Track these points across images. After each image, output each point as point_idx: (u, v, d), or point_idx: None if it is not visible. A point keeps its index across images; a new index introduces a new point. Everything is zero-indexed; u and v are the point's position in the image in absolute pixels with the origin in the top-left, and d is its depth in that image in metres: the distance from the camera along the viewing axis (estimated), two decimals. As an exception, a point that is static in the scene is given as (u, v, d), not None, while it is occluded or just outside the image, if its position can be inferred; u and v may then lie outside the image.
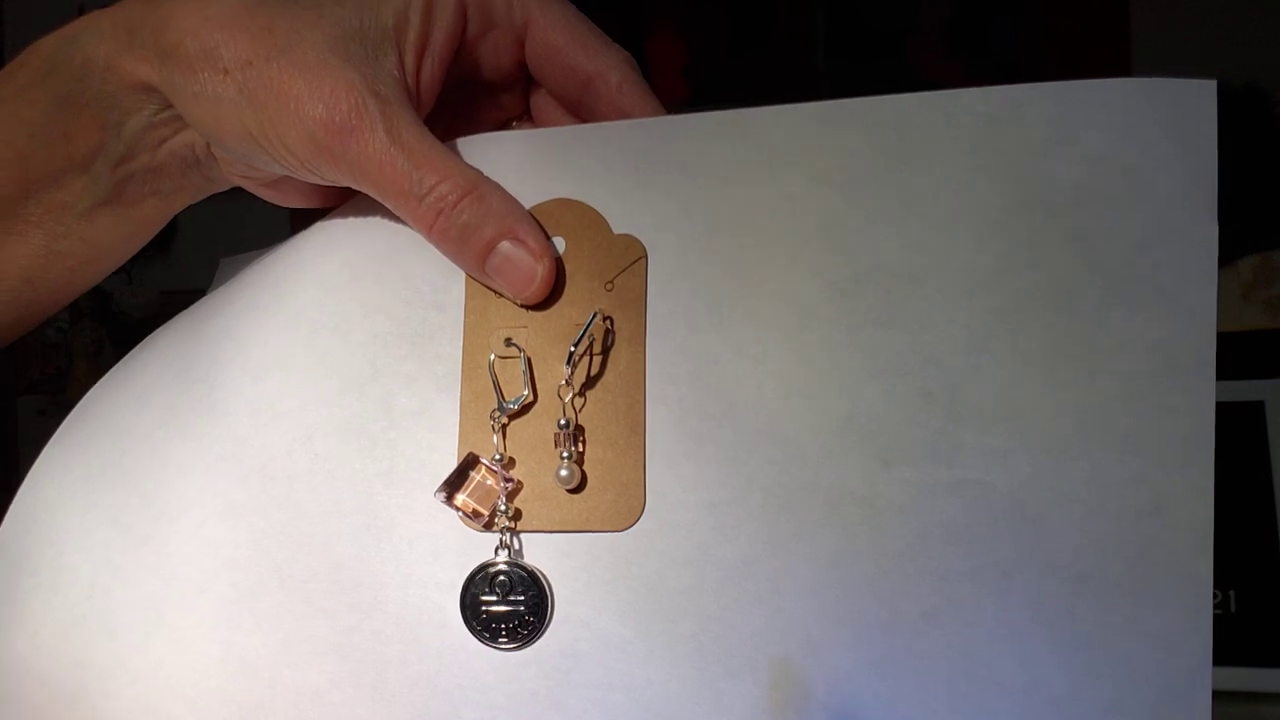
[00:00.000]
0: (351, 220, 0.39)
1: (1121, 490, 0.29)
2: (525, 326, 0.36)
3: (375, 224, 0.38)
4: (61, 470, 0.40)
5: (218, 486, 0.37)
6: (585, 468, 0.35)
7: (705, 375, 0.34)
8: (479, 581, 0.34)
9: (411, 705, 0.34)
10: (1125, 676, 0.28)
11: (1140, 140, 0.30)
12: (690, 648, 0.32)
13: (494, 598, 0.34)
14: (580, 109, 0.40)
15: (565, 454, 0.34)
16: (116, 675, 0.37)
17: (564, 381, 0.35)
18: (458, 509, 0.35)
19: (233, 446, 0.37)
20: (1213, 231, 0.29)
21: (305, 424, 0.37)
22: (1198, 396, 0.29)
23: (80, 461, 0.40)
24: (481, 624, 0.34)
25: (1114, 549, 0.29)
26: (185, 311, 0.43)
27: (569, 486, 0.34)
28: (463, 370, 0.36)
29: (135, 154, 0.38)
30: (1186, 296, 0.29)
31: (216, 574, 0.37)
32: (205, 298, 0.43)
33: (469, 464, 0.35)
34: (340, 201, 0.40)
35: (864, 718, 0.31)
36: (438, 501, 0.35)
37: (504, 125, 0.43)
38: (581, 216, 0.36)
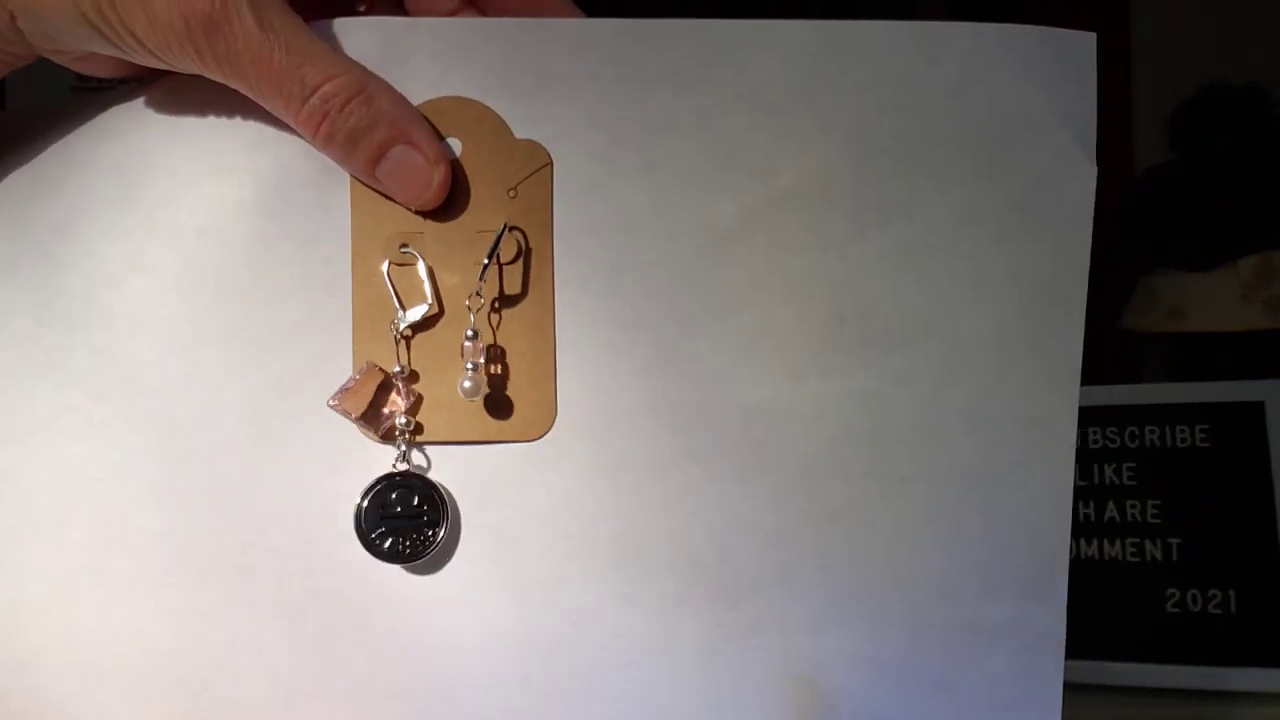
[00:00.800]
0: (199, 95, 0.35)
1: (1009, 406, 0.33)
2: (421, 232, 0.35)
3: (232, 101, 0.34)
4: None
5: (70, 401, 0.34)
6: (494, 380, 0.34)
7: (616, 288, 0.34)
8: (380, 494, 0.34)
9: (318, 617, 0.34)
10: (1001, 565, 0.33)
11: (1036, 84, 0.33)
12: (608, 548, 0.34)
13: (395, 510, 0.34)
14: None
15: (470, 365, 0.34)
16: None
17: (475, 293, 0.34)
18: (352, 417, 0.34)
19: (87, 357, 0.34)
20: (1091, 172, 0.33)
21: (176, 333, 0.34)
22: (1071, 323, 0.33)
23: None
24: (381, 536, 0.34)
25: (999, 456, 0.33)
26: None
27: (474, 398, 0.34)
28: (353, 276, 0.34)
29: None
30: (1068, 233, 0.33)
31: (78, 498, 0.34)
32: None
33: (367, 372, 0.34)
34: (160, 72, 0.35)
35: (770, 615, 0.34)
36: (333, 412, 0.34)
37: (353, 6, 0.40)
38: (480, 118, 0.35)
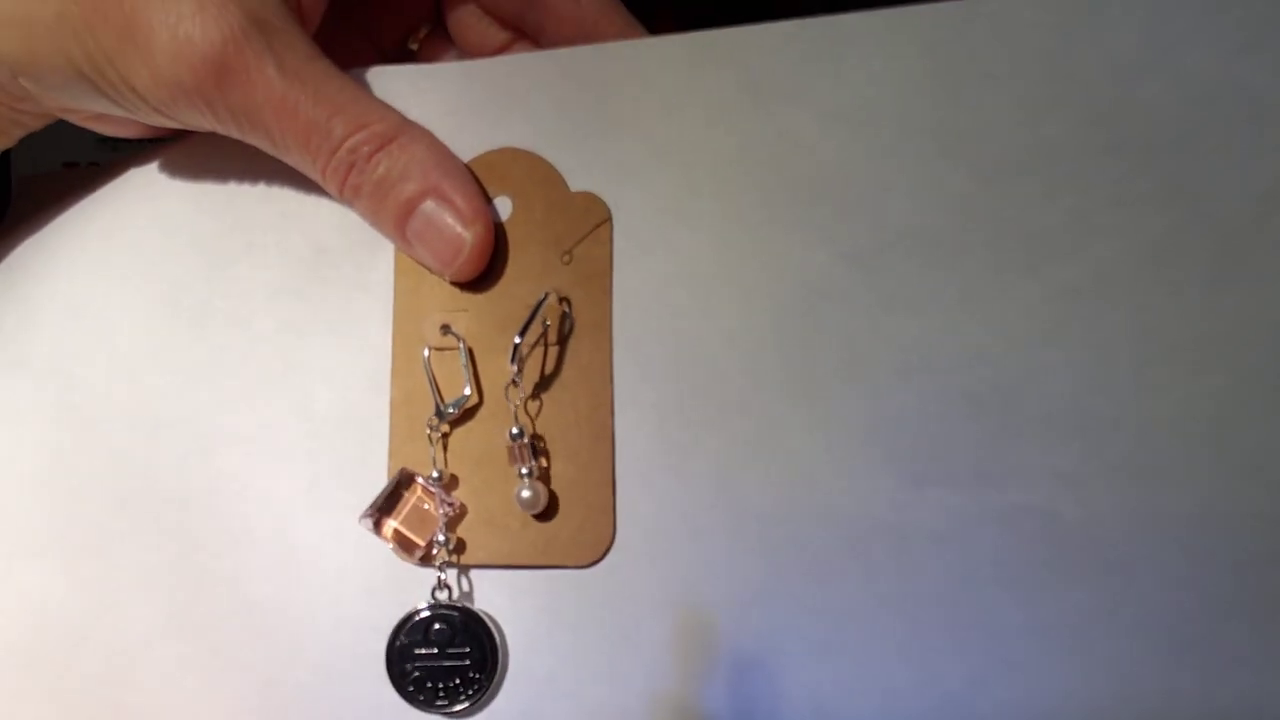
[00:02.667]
0: (222, 157, 0.31)
1: (1243, 529, 0.22)
2: (466, 310, 0.29)
3: (258, 163, 0.30)
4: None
5: (88, 513, 0.30)
6: (553, 486, 0.28)
7: (687, 370, 0.27)
8: (412, 631, 0.28)
9: None
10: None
11: (1260, 53, 0.22)
12: (672, 710, 0.26)
13: (431, 650, 0.28)
14: (522, 23, 0.32)
15: (524, 470, 0.27)
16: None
17: (511, 381, 0.28)
18: (387, 540, 0.28)
19: (106, 461, 0.30)
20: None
21: (200, 434, 0.30)
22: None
23: None
24: (415, 683, 0.28)
25: (1223, 605, 0.22)
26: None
27: (532, 511, 0.27)
28: (393, 364, 0.29)
29: None
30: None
31: (97, 618, 0.30)
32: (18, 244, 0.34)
33: (401, 483, 0.28)
34: (183, 132, 0.32)
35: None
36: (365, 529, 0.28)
37: (403, 40, 0.35)
38: (531, 170, 0.29)
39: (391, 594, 0.28)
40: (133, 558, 0.30)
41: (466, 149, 0.29)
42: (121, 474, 0.30)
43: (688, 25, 0.28)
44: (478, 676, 0.27)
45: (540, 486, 0.27)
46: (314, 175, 0.28)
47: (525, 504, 0.27)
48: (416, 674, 0.28)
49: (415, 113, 0.29)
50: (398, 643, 0.28)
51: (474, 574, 0.28)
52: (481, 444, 0.28)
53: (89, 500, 0.30)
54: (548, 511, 0.28)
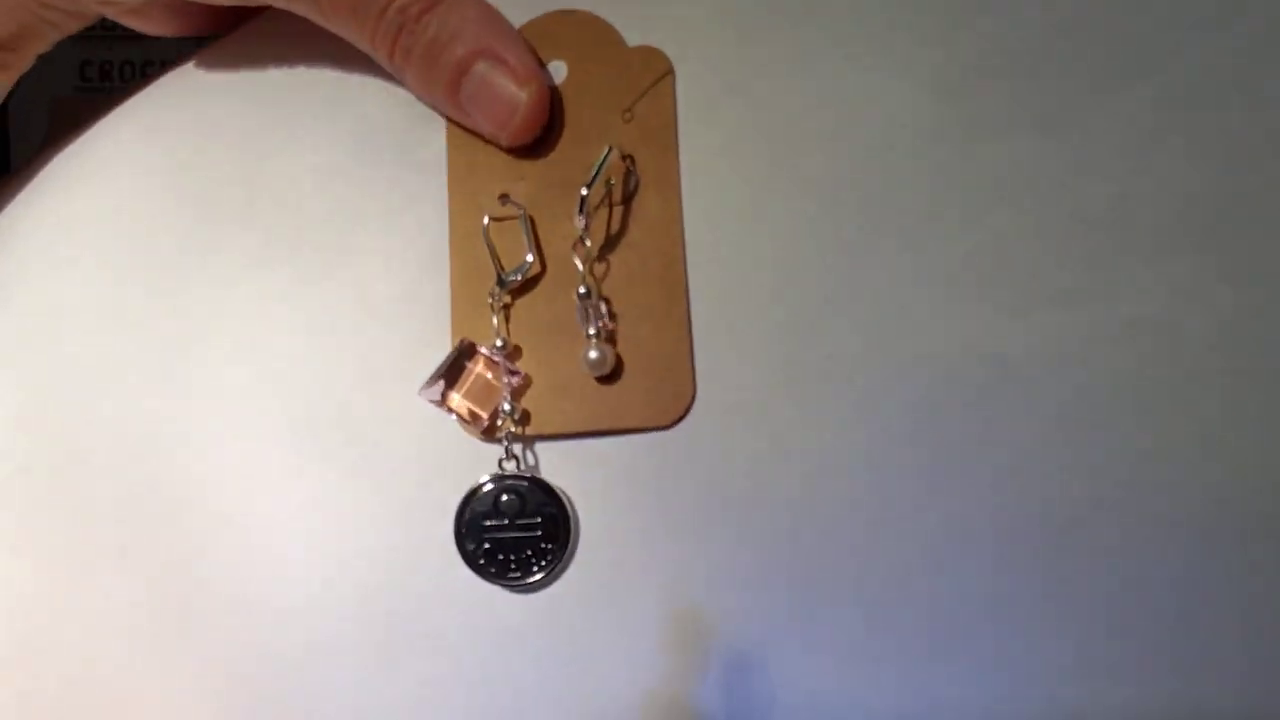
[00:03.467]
0: (264, 49, 0.30)
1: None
2: (523, 179, 0.28)
3: (300, 52, 0.30)
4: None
5: (148, 406, 0.29)
6: (618, 347, 0.27)
7: (763, 219, 0.26)
8: (480, 502, 0.27)
9: (407, 667, 0.27)
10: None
11: None
12: (767, 567, 0.25)
13: (500, 522, 0.27)
14: None
15: (592, 330, 0.26)
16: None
17: (579, 238, 0.27)
18: (451, 411, 0.27)
19: (159, 368, 0.29)
20: None
21: (252, 328, 0.29)
22: None
23: None
24: (486, 555, 0.27)
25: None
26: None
27: (600, 372, 0.26)
28: (451, 241, 0.28)
29: None
30: None
31: (143, 534, 0.29)
32: (50, 154, 0.32)
33: (463, 353, 0.27)
34: (225, 25, 0.31)
35: (987, 662, 0.23)
36: (429, 404, 0.27)
37: None
38: (585, 30, 0.28)
39: (457, 473, 0.28)
40: (193, 459, 0.29)
41: (515, 15, 0.28)
42: (173, 369, 0.29)
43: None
44: (549, 547, 0.26)
45: (608, 348, 0.26)
46: (362, 42, 0.27)
47: (593, 365, 0.26)
48: (487, 546, 0.27)
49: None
50: (466, 515, 0.27)
51: (539, 447, 0.27)
52: (545, 312, 0.27)
53: (136, 404, 0.29)
54: (614, 375, 0.27)
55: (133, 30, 0.31)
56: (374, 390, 0.28)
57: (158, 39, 0.32)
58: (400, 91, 0.29)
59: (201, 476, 0.29)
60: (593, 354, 0.26)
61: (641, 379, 0.26)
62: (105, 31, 0.37)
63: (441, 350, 0.28)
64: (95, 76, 0.39)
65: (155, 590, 0.28)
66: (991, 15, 0.24)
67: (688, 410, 0.26)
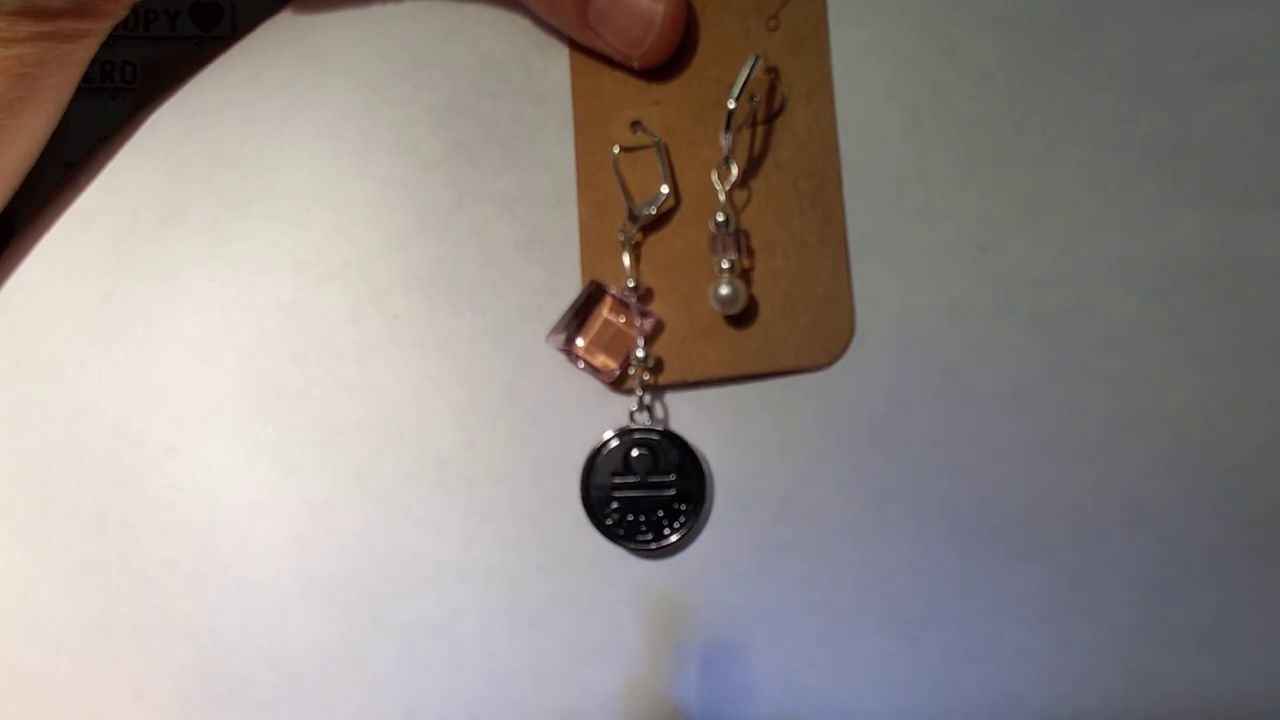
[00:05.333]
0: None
1: None
2: (658, 103, 0.25)
3: None
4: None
5: (257, 369, 0.28)
6: (758, 284, 0.24)
7: (930, 124, 0.22)
8: (609, 458, 0.24)
9: (557, 630, 0.24)
10: None
11: None
12: (946, 517, 0.22)
13: (631, 479, 0.24)
14: None
15: (725, 265, 0.24)
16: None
17: (724, 160, 0.24)
18: (580, 359, 0.25)
19: (272, 315, 0.27)
20: None
21: (372, 278, 0.27)
22: None
23: None
24: (614, 517, 0.24)
25: None
26: (128, 135, 0.31)
27: (730, 310, 0.24)
28: (578, 177, 0.26)
29: None
30: None
31: (276, 487, 0.27)
32: (148, 117, 0.31)
33: (591, 297, 0.25)
34: None
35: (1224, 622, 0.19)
36: (555, 352, 0.25)
37: None
38: (721, -67, 0.25)
39: (588, 426, 0.25)
40: (309, 421, 0.27)
41: (643, -74, 0.26)
42: (293, 328, 0.27)
43: None
44: (684, 507, 0.23)
45: (739, 283, 0.23)
46: None
47: (723, 302, 0.23)
48: (616, 505, 0.24)
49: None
50: (594, 472, 0.24)
51: (676, 397, 0.25)
52: (680, 249, 0.25)
53: (258, 352, 0.27)
54: (748, 314, 0.24)
55: (133, 31, 0.30)
56: (498, 339, 0.26)
57: (157, 39, 0.30)
58: (516, 19, 0.27)
59: (338, 430, 0.27)
60: (724, 289, 0.23)
61: (792, 315, 0.23)
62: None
63: (569, 295, 0.26)
64: (96, 76, 0.38)
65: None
66: None
67: (847, 346, 0.23)
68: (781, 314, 0.24)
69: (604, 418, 0.25)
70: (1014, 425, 0.21)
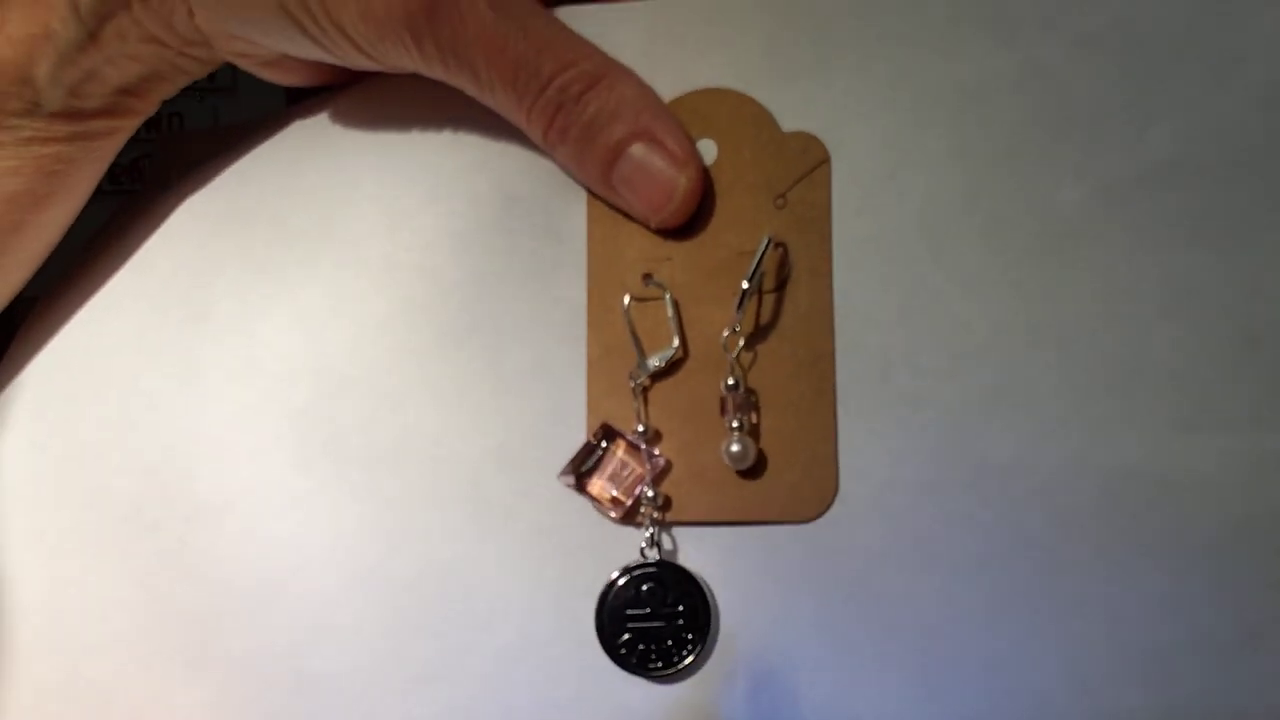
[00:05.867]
0: (401, 105, 0.30)
1: None
2: (669, 259, 0.28)
3: (441, 109, 0.29)
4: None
5: (270, 475, 0.29)
6: (761, 441, 0.26)
7: (918, 316, 0.25)
8: (622, 590, 0.27)
9: None
10: None
11: None
12: (910, 667, 0.24)
13: (643, 610, 0.26)
14: None
15: (735, 423, 0.26)
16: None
17: (732, 329, 0.26)
18: (591, 497, 0.27)
19: (286, 422, 0.29)
20: None
21: (385, 392, 0.29)
22: None
23: None
24: (627, 645, 0.26)
25: None
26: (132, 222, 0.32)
27: (741, 466, 0.26)
28: (588, 316, 0.28)
29: (99, 39, 0.27)
30: None
31: (283, 584, 0.29)
32: (178, 204, 0.32)
33: (603, 438, 0.27)
34: (358, 78, 0.31)
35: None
36: (564, 486, 0.27)
37: None
38: (738, 111, 0.27)
39: (591, 555, 0.27)
40: (317, 520, 0.29)
41: (665, 90, 0.28)
42: (305, 435, 0.29)
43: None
44: (691, 637, 0.26)
45: (750, 441, 0.26)
46: (517, 117, 0.27)
47: (734, 459, 0.26)
48: (628, 636, 0.26)
49: (611, 53, 0.27)
50: (608, 604, 0.27)
51: (678, 533, 0.27)
52: (686, 397, 0.27)
53: (270, 454, 0.29)
54: (754, 469, 0.26)
55: (226, 87, 0.31)
56: (502, 461, 0.28)
57: (255, 98, 0.32)
58: (542, 160, 0.28)
59: (332, 544, 0.28)
60: (735, 447, 0.26)
61: (785, 471, 0.26)
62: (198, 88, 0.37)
63: (573, 426, 0.28)
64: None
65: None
66: (1174, 124, 0.23)
67: (829, 506, 0.26)
68: (775, 469, 0.26)
69: (611, 547, 0.27)
70: (975, 594, 0.24)
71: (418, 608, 0.28)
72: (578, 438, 0.28)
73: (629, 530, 0.27)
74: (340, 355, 0.29)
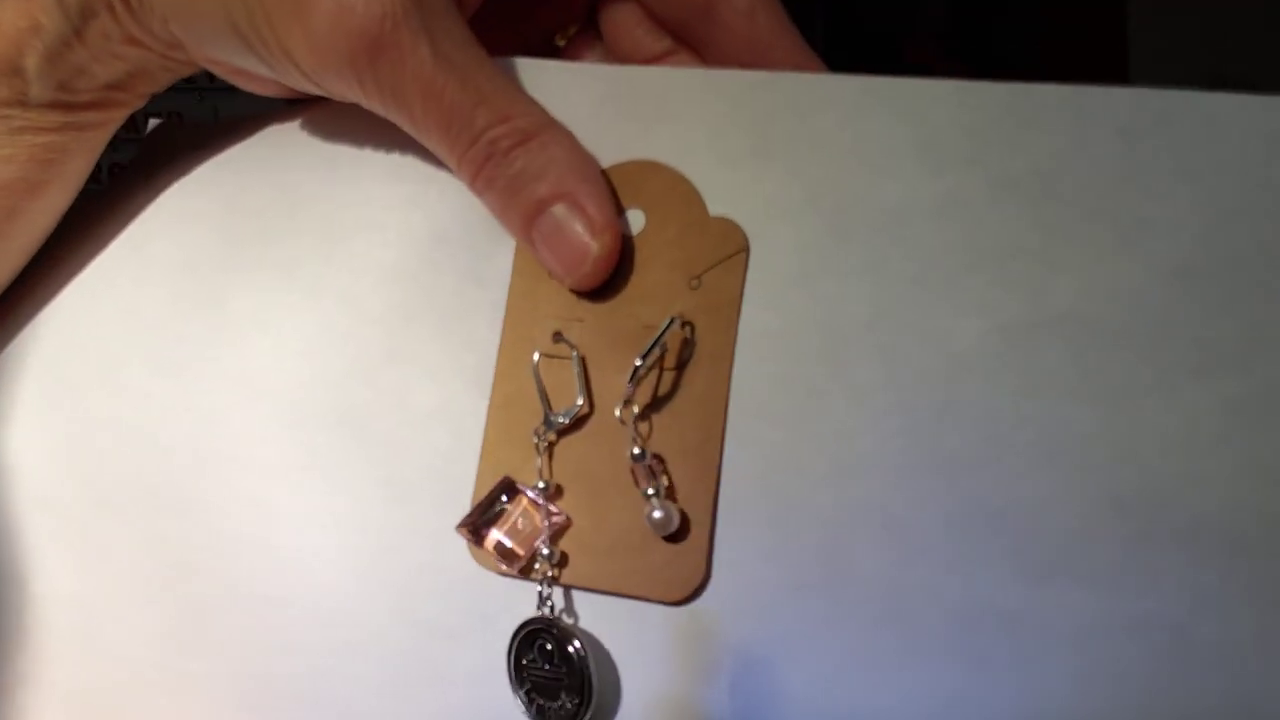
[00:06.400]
0: (354, 133, 0.30)
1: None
2: (582, 320, 0.28)
3: (390, 141, 0.30)
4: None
5: (158, 475, 0.30)
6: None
7: (808, 422, 0.25)
8: (523, 644, 0.27)
9: None
10: None
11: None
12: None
13: (538, 665, 0.26)
14: (687, 32, 0.31)
15: (651, 490, 0.26)
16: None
17: (625, 401, 0.27)
18: (488, 551, 0.27)
19: (198, 423, 0.30)
20: None
21: (295, 407, 0.29)
22: None
23: None
24: (527, 697, 0.26)
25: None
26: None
27: (665, 531, 0.26)
28: (498, 365, 0.28)
29: (84, 36, 0.28)
30: None
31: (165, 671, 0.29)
32: (139, 211, 0.33)
33: (504, 491, 0.27)
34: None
35: None
36: (456, 533, 0.27)
37: (550, 35, 0.34)
38: (671, 187, 0.28)
39: (466, 598, 0.28)
40: (209, 524, 0.29)
41: (606, 155, 0.28)
42: (210, 436, 0.29)
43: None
44: (576, 701, 0.26)
45: (672, 506, 0.26)
46: (449, 161, 0.27)
47: (657, 525, 0.26)
48: (528, 688, 0.27)
49: (558, 111, 0.28)
50: (513, 653, 0.27)
51: (574, 591, 0.27)
52: (589, 456, 0.27)
53: (173, 458, 0.30)
54: (679, 533, 0.26)
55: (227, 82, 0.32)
56: (396, 496, 0.28)
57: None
58: (477, 204, 0.29)
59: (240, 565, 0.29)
60: (656, 514, 0.26)
61: (660, 550, 0.26)
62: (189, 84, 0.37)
63: (468, 469, 0.28)
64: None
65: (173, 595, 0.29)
66: (1078, 280, 0.23)
67: (698, 594, 0.26)
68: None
69: (487, 592, 0.27)
70: (836, 697, 0.24)
71: (288, 625, 0.28)
72: (469, 480, 0.28)
73: (518, 582, 0.27)
74: (258, 368, 0.29)
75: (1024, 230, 0.24)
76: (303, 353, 0.29)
